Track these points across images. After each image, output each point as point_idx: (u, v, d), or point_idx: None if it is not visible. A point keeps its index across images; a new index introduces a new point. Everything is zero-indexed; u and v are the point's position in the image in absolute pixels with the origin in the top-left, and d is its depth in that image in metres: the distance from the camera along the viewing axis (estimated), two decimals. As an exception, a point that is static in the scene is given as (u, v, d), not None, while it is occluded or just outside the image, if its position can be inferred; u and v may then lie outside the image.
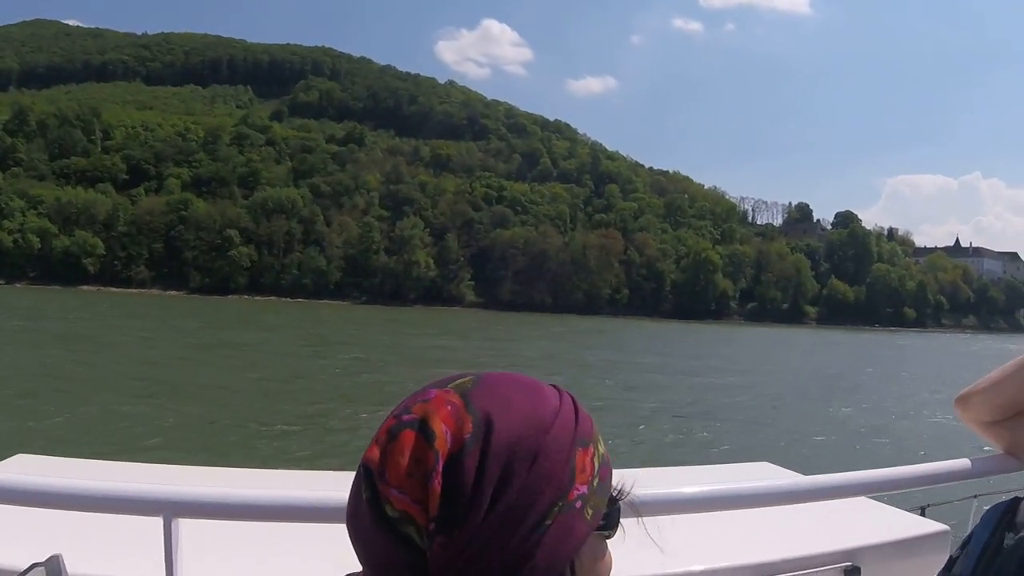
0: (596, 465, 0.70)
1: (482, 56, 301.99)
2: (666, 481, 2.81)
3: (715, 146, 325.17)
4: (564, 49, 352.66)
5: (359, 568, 0.69)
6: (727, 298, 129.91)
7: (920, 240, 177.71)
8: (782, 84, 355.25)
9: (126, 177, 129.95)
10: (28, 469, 2.46)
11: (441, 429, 0.64)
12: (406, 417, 0.66)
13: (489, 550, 0.63)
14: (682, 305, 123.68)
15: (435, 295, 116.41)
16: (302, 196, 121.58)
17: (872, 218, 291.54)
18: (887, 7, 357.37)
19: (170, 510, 1.36)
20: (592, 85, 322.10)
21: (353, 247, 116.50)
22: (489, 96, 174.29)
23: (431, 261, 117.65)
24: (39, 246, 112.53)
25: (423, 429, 0.64)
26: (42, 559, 1.33)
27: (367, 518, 0.64)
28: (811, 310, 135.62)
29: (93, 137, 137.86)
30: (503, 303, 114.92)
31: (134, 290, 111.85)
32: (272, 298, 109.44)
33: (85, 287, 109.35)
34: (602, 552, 0.73)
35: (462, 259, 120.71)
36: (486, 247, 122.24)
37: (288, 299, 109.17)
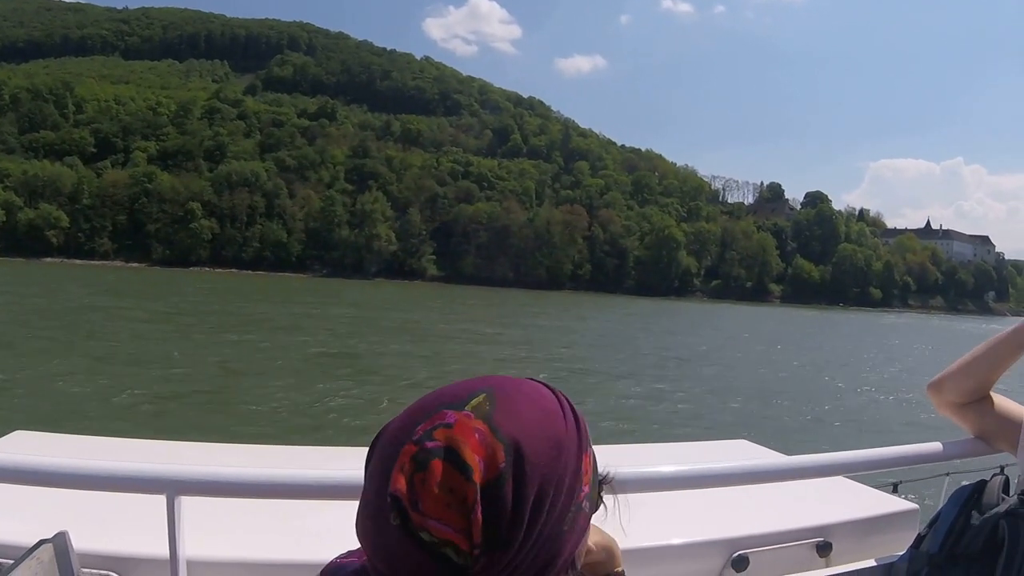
0: (593, 463, 0.77)
1: (470, 33, 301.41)
2: (645, 458, 2.91)
3: (702, 127, 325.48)
4: (553, 27, 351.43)
5: (358, 545, 0.74)
6: (690, 275, 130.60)
7: (902, 224, 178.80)
8: (771, 67, 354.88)
9: (94, 150, 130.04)
10: (27, 446, 2.47)
11: (475, 461, 0.66)
12: (430, 444, 0.68)
13: (524, 562, 0.68)
14: (645, 282, 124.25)
15: (397, 269, 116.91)
16: (266, 169, 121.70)
17: (855, 201, 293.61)
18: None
19: (173, 488, 1.37)
20: (580, 64, 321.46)
21: (315, 220, 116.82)
22: (477, 74, 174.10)
23: (392, 235, 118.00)
24: (4, 219, 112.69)
25: (454, 459, 0.66)
26: (49, 536, 1.36)
27: (398, 542, 0.67)
28: (775, 288, 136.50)
29: (65, 111, 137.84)
30: (465, 277, 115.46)
31: (97, 262, 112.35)
32: (232, 270, 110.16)
33: (49, 259, 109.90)
34: (588, 526, 0.78)
35: (424, 233, 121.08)
36: (449, 222, 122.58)
37: (249, 271, 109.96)
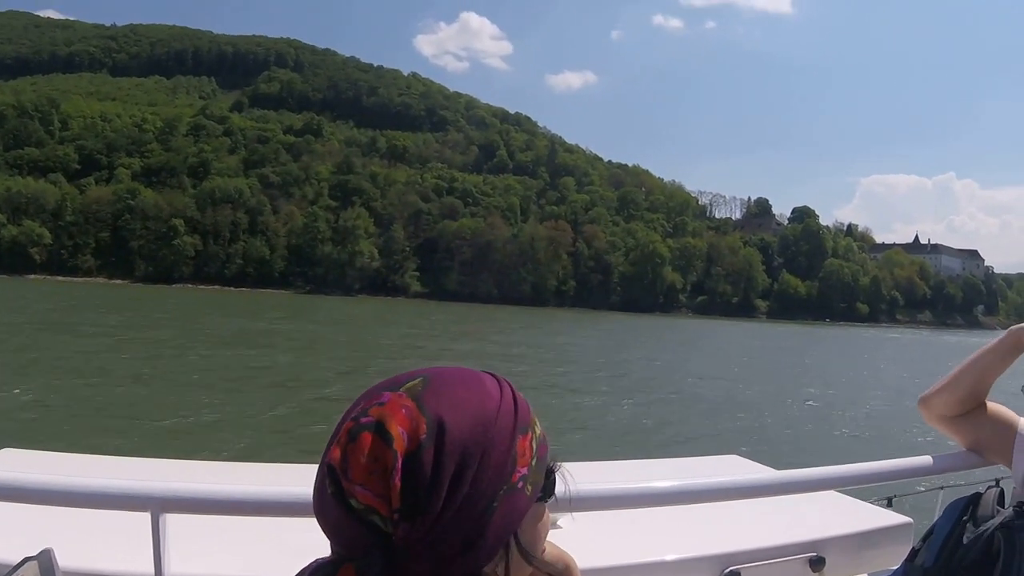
0: (534, 447, 0.80)
1: (461, 49, 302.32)
2: (637, 474, 2.90)
3: (692, 143, 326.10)
4: (544, 43, 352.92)
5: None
6: (676, 291, 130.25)
7: (893, 239, 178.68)
8: (762, 83, 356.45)
9: (78, 167, 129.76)
10: (16, 464, 2.43)
11: (398, 431, 0.72)
12: (364, 420, 0.73)
13: (447, 533, 0.72)
14: (630, 297, 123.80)
15: (380, 285, 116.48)
16: (250, 186, 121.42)
17: (847, 216, 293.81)
18: (867, 8, 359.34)
19: (157, 506, 1.38)
20: (571, 80, 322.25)
21: (298, 237, 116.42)
22: (469, 90, 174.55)
23: (375, 251, 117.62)
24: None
25: (380, 431, 0.72)
26: (34, 553, 1.35)
27: (334, 510, 0.73)
28: (762, 304, 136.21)
29: (51, 128, 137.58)
30: (448, 294, 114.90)
31: (80, 279, 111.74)
32: (216, 287, 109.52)
33: (32, 276, 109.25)
34: (540, 514, 0.82)
35: (408, 249, 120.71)
36: (433, 238, 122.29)
37: (232, 288, 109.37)
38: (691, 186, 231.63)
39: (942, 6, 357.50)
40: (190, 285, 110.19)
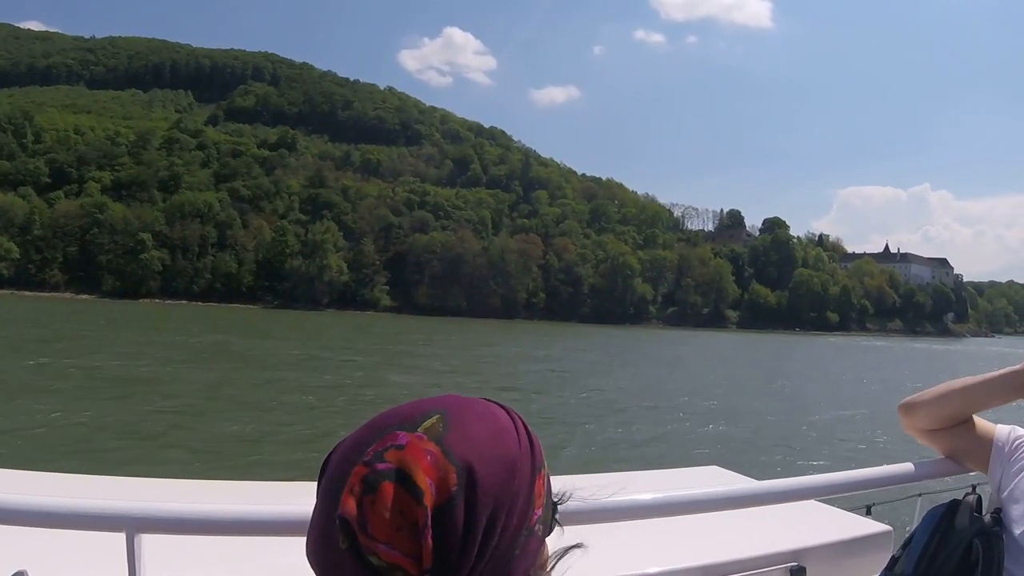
0: (547, 485, 0.76)
1: (445, 64, 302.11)
2: (617, 486, 3.08)
3: (673, 157, 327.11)
4: (528, 58, 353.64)
5: None
6: (646, 302, 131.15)
7: (869, 249, 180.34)
8: (742, 97, 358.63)
9: (48, 181, 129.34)
10: None
11: (426, 483, 0.65)
12: (381, 467, 0.66)
13: None
14: (600, 309, 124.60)
15: (349, 299, 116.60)
16: (220, 200, 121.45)
17: (824, 228, 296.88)
18: (848, 24, 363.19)
19: (132, 526, 1.35)
20: (554, 95, 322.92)
21: (266, 251, 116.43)
22: (451, 105, 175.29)
23: (344, 265, 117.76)
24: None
25: (405, 482, 0.65)
26: (8, 575, 1.34)
27: (348, 566, 0.66)
28: (732, 314, 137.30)
29: (24, 140, 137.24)
30: (418, 307, 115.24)
31: (47, 293, 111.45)
32: (183, 302, 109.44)
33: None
34: (545, 549, 0.77)
35: (378, 263, 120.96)
36: (403, 252, 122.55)
37: (199, 303, 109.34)
38: (667, 199, 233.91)
39: (919, 23, 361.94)
40: (157, 300, 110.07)
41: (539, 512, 0.73)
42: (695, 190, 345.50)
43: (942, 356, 75.04)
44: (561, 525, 0.80)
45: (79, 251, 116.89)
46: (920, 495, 2.14)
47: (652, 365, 42.71)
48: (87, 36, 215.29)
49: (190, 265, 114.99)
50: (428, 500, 0.65)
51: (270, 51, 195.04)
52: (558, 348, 51.05)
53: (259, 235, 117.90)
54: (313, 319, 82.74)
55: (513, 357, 41.99)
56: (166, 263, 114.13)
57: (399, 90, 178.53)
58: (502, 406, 0.76)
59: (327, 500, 0.69)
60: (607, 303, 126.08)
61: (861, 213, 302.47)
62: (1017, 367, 1.75)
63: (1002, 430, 1.79)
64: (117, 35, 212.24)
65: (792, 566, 2.17)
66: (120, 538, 1.36)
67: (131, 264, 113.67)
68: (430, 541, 0.64)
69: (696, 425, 20.08)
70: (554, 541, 0.75)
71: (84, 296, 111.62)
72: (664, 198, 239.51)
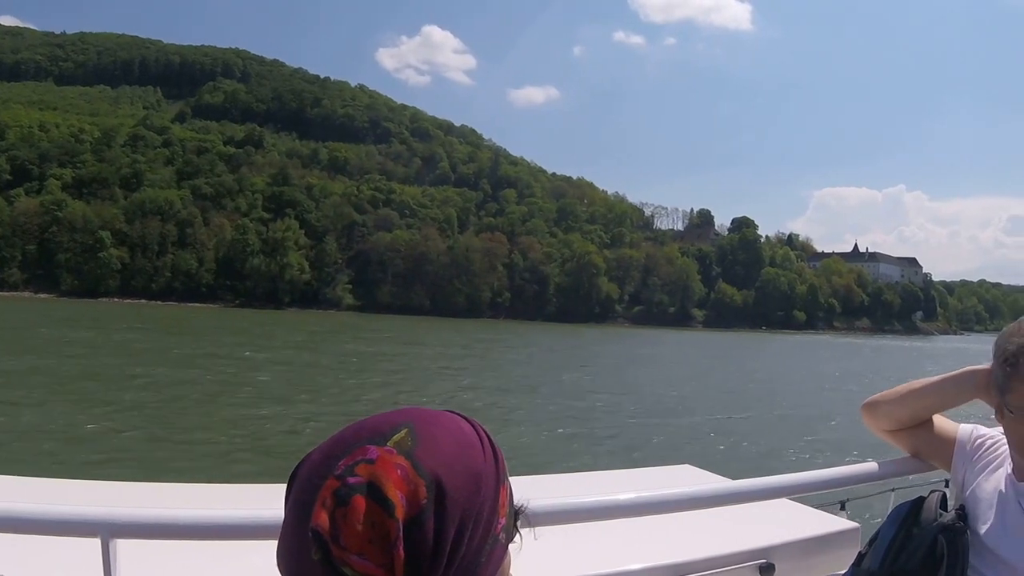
0: (510, 495, 0.79)
1: (423, 63, 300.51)
2: (589, 486, 2.89)
3: (651, 157, 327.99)
4: (508, 58, 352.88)
5: None
6: (612, 301, 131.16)
7: (844, 248, 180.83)
8: (720, 98, 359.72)
9: (9, 178, 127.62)
10: None
11: (398, 497, 0.67)
12: (352, 480, 0.68)
13: None
14: (566, 308, 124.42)
15: (311, 298, 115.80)
16: (181, 197, 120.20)
17: (800, 228, 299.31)
18: (827, 29, 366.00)
19: (108, 531, 1.33)
20: (533, 95, 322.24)
21: (227, 249, 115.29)
22: (429, 104, 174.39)
23: (305, 264, 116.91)
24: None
25: (377, 496, 0.67)
26: None
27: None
28: (698, 313, 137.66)
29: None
30: (381, 306, 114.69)
31: (6, 293, 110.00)
32: (142, 301, 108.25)
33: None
34: (505, 556, 0.79)
35: (340, 262, 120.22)
36: (366, 250, 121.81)
37: (159, 302, 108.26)
38: (645, 199, 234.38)
39: (897, 27, 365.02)
40: (116, 299, 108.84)
41: (503, 521, 0.76)
42: (672, 190, 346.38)
43: (896, 352, 76.26)
44: (532, 526, 0.82)
45: (38, 249, 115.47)
46: (893, 491, 2.16)
47: (612, 364, 42.66)
48: (58, 32, 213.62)
49: (149, 264, 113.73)
50: (399, 513, 0.67)
51: (242, 48, 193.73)
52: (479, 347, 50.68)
53: (220, 233, 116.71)
54: (264, 318, 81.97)
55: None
56: (125, 262, 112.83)
57: (370, 88, 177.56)
58: (467, 419, 0.79)
59: (298, 512, 0.71)
60: (572, 302, 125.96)
61: (837, 214, 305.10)
62: (976, 367, 1.76)
63: (964, 429, 1.83)
64: (88, 31, 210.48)
65: (761, 563, 2.20)
66: (95, 544, 1.34)
67: (90, 263, 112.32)
68: (402, 553, 0.67)
69: (668, 424, 20.07)
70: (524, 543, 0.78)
71: (43, 295, 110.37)
72: (642, 198, 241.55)
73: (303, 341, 47.56)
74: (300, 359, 35.02)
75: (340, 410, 19.68)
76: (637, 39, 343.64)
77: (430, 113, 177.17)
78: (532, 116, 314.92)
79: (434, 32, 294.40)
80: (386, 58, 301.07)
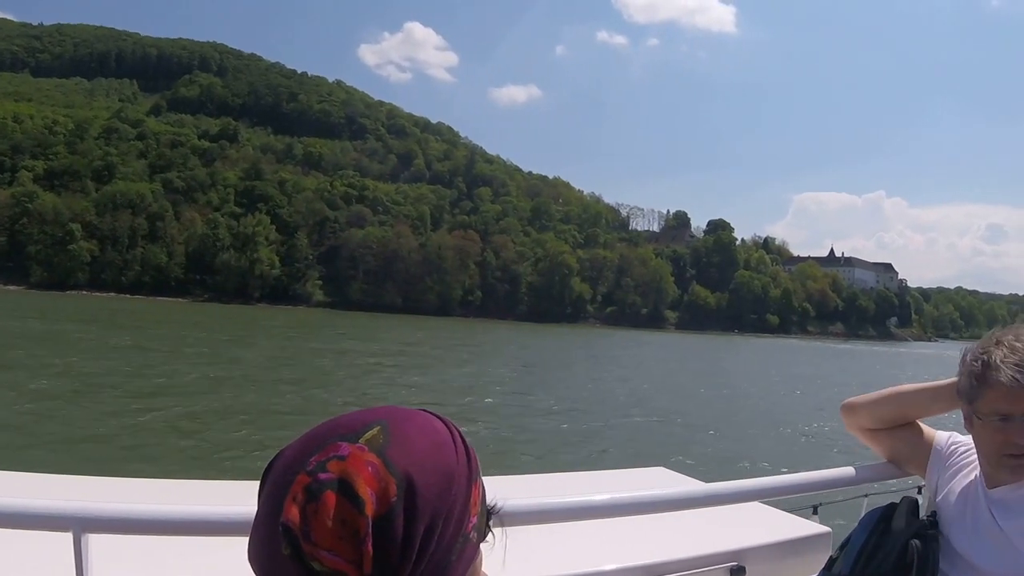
0: (482, 494, 0.79)
1: (404, 60, 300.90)
2: (563, 487, 2.89)
3: (631, 158, 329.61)
4: (490, 56, 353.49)
5: None
6: (584, 301, 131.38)
7: (823, 253, 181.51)
8: (702, 100, 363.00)
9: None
10: None
11: (367, 493, 0.68)
12: (323, 476, 0.69)
13: None
14: (537, 308, 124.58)
15: (281, 293, 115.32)
16: (153, 191, 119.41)
17: (780, 232, 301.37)
18: (810, 33, 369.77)
19: (79, 525, 1.32)
20: (515, 94, 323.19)
21: (197, 243, 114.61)
22: (410, 101, 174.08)
23: (276, 259, 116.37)
24: None
25: (347, 492, 0.68)
26: None
27: (290, 572, 0.68)
28: (671, 315, 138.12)
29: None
30: (352, 303, 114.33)
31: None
32: (111, 294, 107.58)
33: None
34: (479, 555, 0.80)
35: (311, 258, 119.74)
36: (337, 246, 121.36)
37: (128, 295, 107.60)
38: (623, 200, 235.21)
39: (880, 34, 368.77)
40: (85, 292, 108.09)
41: (474, 520, 0.76)
42: (653, 192, 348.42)
43: (864, 356, 77.06)
44: (504, 527, 0.82)
45: (8, 241, 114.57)
46: (866, 496, 2.15)
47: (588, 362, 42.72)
48: (35, 23, 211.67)
49: (119, 257, 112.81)
50: (369, 510, 0.68)
51: (219, 41, 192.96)
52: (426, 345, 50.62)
53: (191, 227, 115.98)
54: (225, 312, 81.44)
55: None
56: (95, 255, 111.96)
57: (348, 84, 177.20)
58: (440, 418, 0.79)
59: (269, 507, 0.71)
60: (544, 302, 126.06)
61: (817, 218, 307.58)
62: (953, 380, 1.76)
63: (941, 436, 1.85)
64: (65, 22, 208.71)
65: (732, 566, 2.21)
66: (67, 538, 1.33)
67: (59, 255, 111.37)
68: (371, 549, 0.67)
69: (642, 426, 20.04)
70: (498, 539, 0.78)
71: (12, 287, 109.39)
72: (622, 199, 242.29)
73: (275, 340, 47.12)
74: (270, 355, 34.66)
75: (306, 408, 19.36)
76: (620, 39, 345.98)
77: (411, 110, 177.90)
78: (514, 115, 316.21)
79: (416, 29, 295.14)
80: (368, 54, 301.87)
